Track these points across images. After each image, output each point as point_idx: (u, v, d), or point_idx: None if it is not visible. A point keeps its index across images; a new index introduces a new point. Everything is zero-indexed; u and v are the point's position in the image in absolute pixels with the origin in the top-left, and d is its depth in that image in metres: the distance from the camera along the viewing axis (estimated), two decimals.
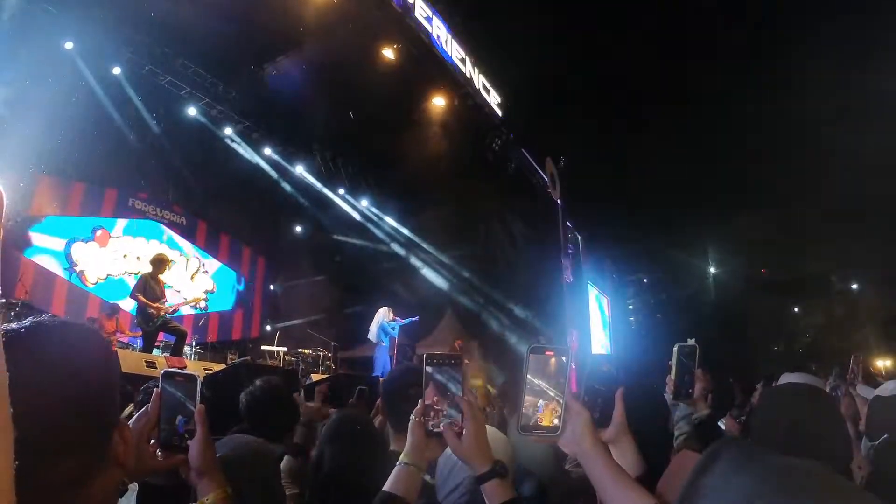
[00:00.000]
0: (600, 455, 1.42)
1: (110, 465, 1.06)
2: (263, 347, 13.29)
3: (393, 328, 12.28)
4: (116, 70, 12.79)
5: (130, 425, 1.48)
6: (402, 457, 1.55)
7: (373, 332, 12.36)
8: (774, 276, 33.51)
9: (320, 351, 13.81)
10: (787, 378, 2.92)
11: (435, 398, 1.53)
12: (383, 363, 11.90)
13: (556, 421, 1.46)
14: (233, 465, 1.89)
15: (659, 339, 24.98)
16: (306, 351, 13.61)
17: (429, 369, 1.53)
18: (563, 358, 1.48)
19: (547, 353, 1.48)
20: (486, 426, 1.57)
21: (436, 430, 1.52)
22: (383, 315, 12.33)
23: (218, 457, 1.67)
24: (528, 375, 1.47)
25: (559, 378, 1.47)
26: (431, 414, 1.53)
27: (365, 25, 12.70)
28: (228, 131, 15.23)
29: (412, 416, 1.55)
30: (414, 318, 12.94)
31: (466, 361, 12.47)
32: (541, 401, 1.47)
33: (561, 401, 1.46)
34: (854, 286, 33.61)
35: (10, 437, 0.56)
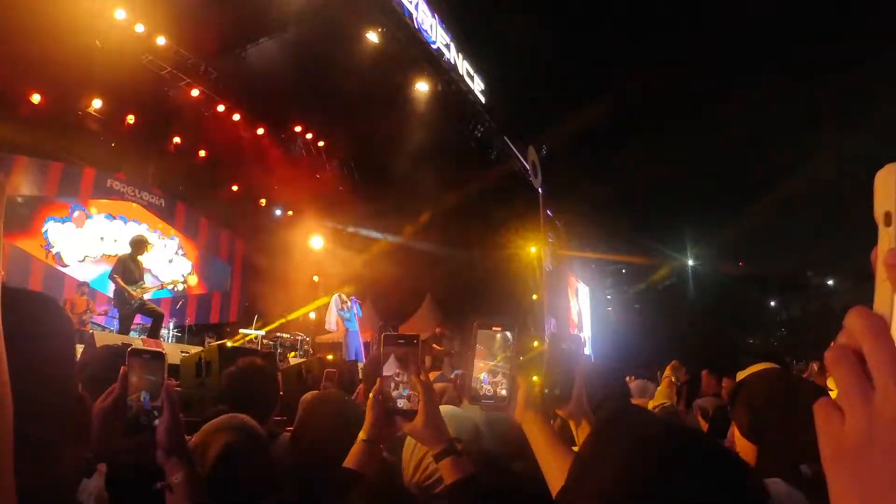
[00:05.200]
0: (541, 424, 1.50)
1: (70, 438, 1.05)
2: (242, 331, 13.21)
3: (347, 312, 12.29)
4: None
5: (97, 403, 1.47)
6: (360, 433, 1.60)
7: (329, 322, 12.41)
8: (752, 270, 33.86)
9: (298, 335, 13.76)
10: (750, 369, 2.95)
11: (394, 376, 1.56)
12: (355, 348, 11.94)
13: (502, 392, 1.53)
14: (239, 451, 1.91)
15: (636, 328, 25.22)
16: (284, 335, 13.56)
17: (387, 349, 1.57)
18: (509, 333, 1.54)
19: (494, 328, 1.55)
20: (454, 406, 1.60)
21: (393, 407, 1.56)
22: (336, 303, 12.36)
23: (226, 442, 1.67)
24: (477, 349, 1.54)
25: (505, 352, 1.54)
26: (391, 391, 1.56)
27: (349, 8, 12.62)
28: (210, 112, 15.08)
29: (370, 394, 1.58)
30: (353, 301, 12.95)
31: (438, 347, 12.53)
32: (488, 373, 1.54)
33: (506, 373, 1.54)
34: (830, 282, 34.04)
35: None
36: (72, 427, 1.05)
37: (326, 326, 12.66)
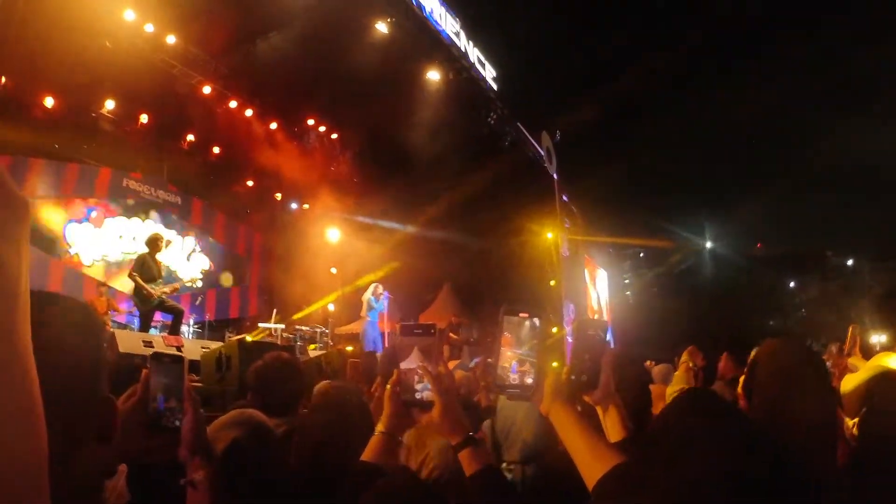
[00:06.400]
0: (569, 414, 1.45)
1: (94, 440, 1.05)
2: (261, 325, 13.29)
3: (378, 303, 12.33)
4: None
5: (119, 404, 1.48)
6: (378, 426, 1.61)
7: (364, 309, 12.46)
8: (770, 251, 33.57)
9: (317, 327, 13.82)
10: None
11: (418, 369, 1.55)
12: (373, 338, 11.98)
13: (528, 380, 1.48)
14: (246, 446, 1.91)
15: (655, 312, 25.11)
16: (303, 327, 13.62)
17: (404, 339, 1.56)
18: (536, 320, 1.51)
19: (521, 315, 1.51)
20: None
21: (410, 399, 1.55)
22: (371, 291, 12.40)
23: (233, 439, 1.68)
24: (505, 335, 1.50)
25: (532, 339, 1.50)
26: (413, 382, 1.55)
27: None
28: (222, 108, 15.12)
29: (387, 387, 1.58)
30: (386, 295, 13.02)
31: (454, 337, 12.53)
32: (515, 361, 1.50)
33: (534, 361, 1.49)
34: (849, 262, 33.69)
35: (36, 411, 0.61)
36: (97, 429, 1.05)
37: (361, 313, 12.75)
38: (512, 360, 1.49)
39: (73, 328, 1.05)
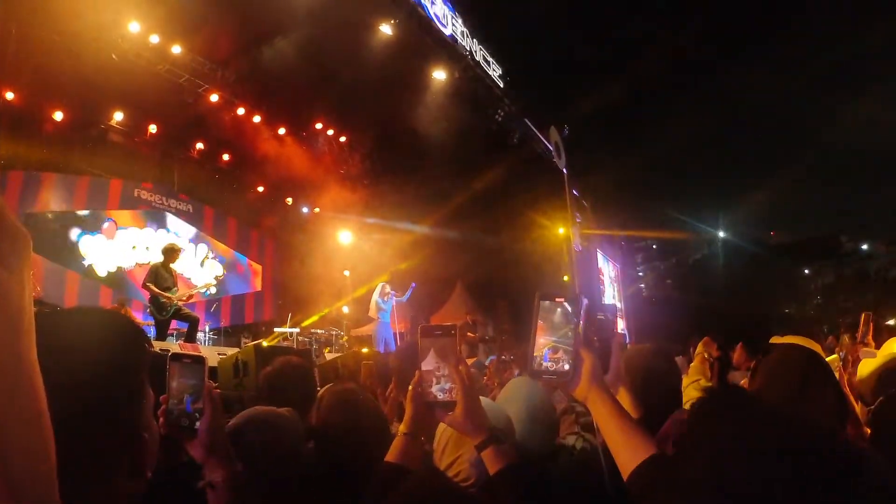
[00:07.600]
0: (607, 400, 1.42)
1: (125, 474, 1.05)
2: (276, 329, 13.33)
3: (385, 303, 12.31)
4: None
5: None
6: (401, 427, 1.61)
7: (372, 310, 12.45)
8: (784, 238, 33.43)
9: (332, 330, 13.84)
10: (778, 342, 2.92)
11: (434, 371, 1.54)
12: (384, 339, 11.98)
13: (565, 366, 1.45)
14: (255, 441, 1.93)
15: (669, 304, 25.03)
16: (319, 331, 13.64)
17: (424, 341, 1.55)
18: (570, 306, 1.46)
19: (556, 299, 1.47)
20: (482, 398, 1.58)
21: (432, 400, 1.54)
22: (378, 291, 12.40)
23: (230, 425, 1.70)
24: (538, 321, 1.47)
25: (568, 324, 1.46)
26: (430, 384, 1.54)
27: (361, 2, 12.62)
28: (230, 115, 15.16)
29: (409, 387, 1.57)
30: (412, 287, 13.01)
31: (473, 334, 12.50)
32: (549, 347, 1.46)
33: (569, 347, 1.45)
34: (864, 246, 33.48)
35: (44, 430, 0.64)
36: (129, 464, 1.06)
37: (369, 313, 12.75)
38: (545, 347, 1.46)
39: (97, 345, 1.06)
